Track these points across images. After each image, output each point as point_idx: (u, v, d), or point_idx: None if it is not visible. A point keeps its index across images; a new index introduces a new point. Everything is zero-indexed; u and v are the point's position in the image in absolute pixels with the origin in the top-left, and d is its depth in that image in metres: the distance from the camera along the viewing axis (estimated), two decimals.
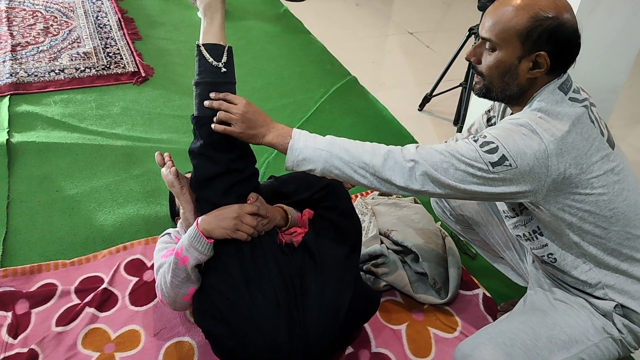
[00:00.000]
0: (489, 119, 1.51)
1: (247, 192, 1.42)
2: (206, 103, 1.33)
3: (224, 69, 1.37)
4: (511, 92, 1.22)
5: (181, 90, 2.85)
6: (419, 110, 2.87)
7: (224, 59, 1.37)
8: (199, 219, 1.34)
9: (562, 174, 1.13)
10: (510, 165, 1.11)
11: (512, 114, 1.31)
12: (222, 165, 1.37)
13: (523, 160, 1.11)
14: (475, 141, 1.16)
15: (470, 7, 3.05)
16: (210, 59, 1.35)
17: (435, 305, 1.70)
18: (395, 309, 1.69)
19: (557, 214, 1.19)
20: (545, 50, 1.15)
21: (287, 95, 2.90)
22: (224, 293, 1.32)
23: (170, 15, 3.72)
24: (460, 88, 2.64)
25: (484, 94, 1.26)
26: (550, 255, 1.28)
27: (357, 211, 1.93)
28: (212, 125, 1.30)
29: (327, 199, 1.51)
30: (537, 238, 1.28)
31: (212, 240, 1.32)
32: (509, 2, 1.17)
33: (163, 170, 1.50)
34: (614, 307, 1.24)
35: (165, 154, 1.51)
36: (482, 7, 2.37)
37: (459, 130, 2.53)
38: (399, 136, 2.62)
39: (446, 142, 1.58)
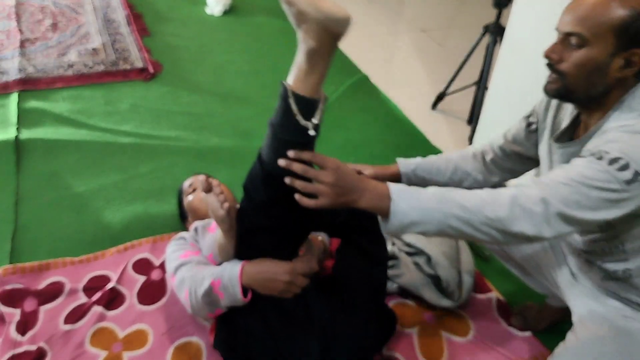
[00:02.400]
0: (528, 124, 1.41)
1: (302, 242, 1.31)
2: (282, 163, 1.07)
3: (312, 132, 1.07)
4: (596, 92, 1.12)
5: (190, 87, 2.83)
6: (432, 109, 2.84)
7: (316, 119, 1.08)
8: (244, 268, 1.23)
9: None
10: None
11: (576, 118, 1.23)
12: (282, 222, 1.20)
13: None
14: (600, 159, 1.03)
15: (485, 4, 3.00)
16: (299, 117, 1.06)
17: (448, 308, 1.67)
18: (406, 312, 1.66)
19: None
20: None
21: None
22: (258, 337, 1.26)
23: (179, 11, 3.70)
24: (474, 87, 2.60)
25: (562, 95, 1.16)
26: (626, 271, 1.20)
27: None
28: (297, 198, 1.06)
29: (357, 220, 1.40)
30: (617, 253, 1.20)
31: (249, 299, 1.24)
32: None
33: (210, 199, 1.25)
34: None
35: (214, 181, 1.26)
36: (497, 5, 2.33)
37: (473, 130, 2.49)
38: (411, 135, 2.59)
39: (485, 154, 1.51)
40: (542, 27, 1.85)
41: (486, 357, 1.55)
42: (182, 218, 1.84)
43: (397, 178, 1.50)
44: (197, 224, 1.59)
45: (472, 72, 2.66)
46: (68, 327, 1.53)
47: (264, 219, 1.18)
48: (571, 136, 1.26)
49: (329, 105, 2.72)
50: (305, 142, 1.08)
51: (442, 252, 1.70)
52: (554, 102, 1.33)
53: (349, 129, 2.59)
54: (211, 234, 1.53)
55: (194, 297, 1.31)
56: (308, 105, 1.06)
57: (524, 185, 1.05)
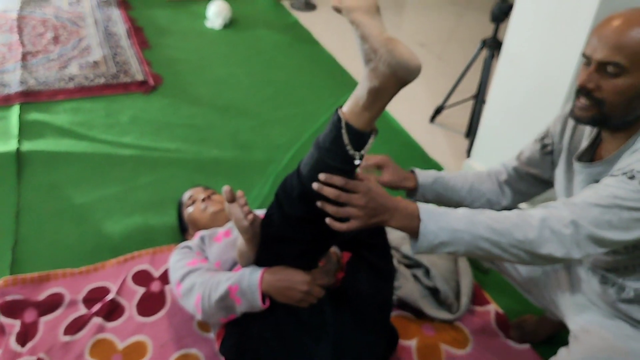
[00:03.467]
0: (544, 146, 1.40)
1: (323, 255, 1.32)
2: (315, 187, 1.06)
3: (358, 161, 1.07)
4: (633, 117, 1.11)
5: (190, 99, 2.85)
6: (430, 122, 2.86)
7: (364, 150, 1.07)
8: (264, 275, 1.25)
9: None
10: None
11: (595, 138, 1.23)
12: (309, 236, 1.20)
13: None
14: (632, 178, 1.03)
15: (482, 18, 3.04)
16: (349, 147, 1.04)
17: (447, 320, 1.67)
18: (405, 324, 1.66)
19: None
20: None
21: (297, 105, 2.89)
22: (270, 344, 1.27)
23: (180, 24, 3.73)
24: (472, 100, 2.62)
25: (598, 121, 1.14)
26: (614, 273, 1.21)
27: None
28: (328, 222, 1.07)
29: (367, 236, 1.40)
30: (639, 272, 1.19)
31: (268, 305, 1.25)
32: (633, 22, 1.05)
33: (234, 209, 1.24)
34: None
35: (238, 192, 1.26)
36: (495, 19, 2.36)
37: (471, 143, 2.50)
38: (410, 147, 2.61)
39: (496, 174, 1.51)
40: (538, 41, 1.88)
41: None
42: (182, 230, 1.85)
43: (413, 189, 1.50)
44: (203, 233, 1.60)
45: (470, 86, 2.69)
46: (68, 338, 1.53)
47: (292, 231, 1.18)
48: (591, 156, 1.26)
49: (329, 118, 2.76)
50: (349, 170, 1.08)
51: (441, 265, 1.71)
52: (571, 123, 1.32)
53: None
54: (218, 243, 1.54)
55: (207, 302, 1.31)
56: (360, 138, 1.05)
57: (554, 207, 1.05)
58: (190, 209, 1.78)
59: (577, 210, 1.02)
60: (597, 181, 1.17)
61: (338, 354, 1.30)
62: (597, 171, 1.19)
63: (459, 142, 2.71)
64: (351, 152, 1.05)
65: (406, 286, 1.69)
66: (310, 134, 2.63)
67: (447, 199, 1.48)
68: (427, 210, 1.06)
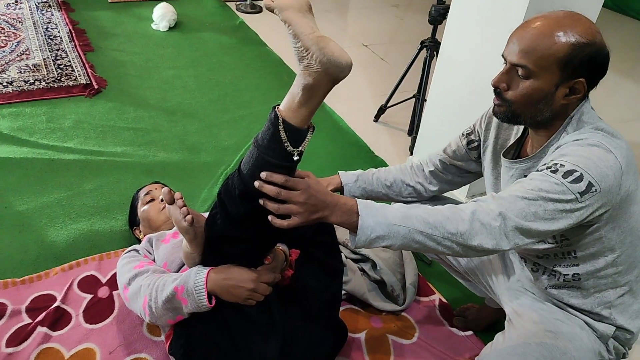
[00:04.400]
0: (469, 142, 1.47)
1: (268, 252, 1.33)
2: (256, 185, 1.08)
3: (296, 157, 1.09)
4: (542, 118, 1.17)
5: (135, 102, 2.81)
6: (374, 121, 2.92)
7: (302, 147, 1.09)
8: (209, 274, 1.25)
9: (627, 190, 1.11)
10: (596, 190, 1.06)
11: (521, 138, 1.30)
12: (253, 234, 1.21)
13: (606, 182, 1.06)
14: (555, 172, 1.07)
15: (422, 20, 3.13)
16: (287, 143, 1.07)
17: (393, 312, 1.73)
18: (354, 317, 1.71)
19: (605, 234, 1.16)
20: (584, 77, 1.11)
21: (244, 107, 2.90)
22: (218, 343, 1.28)
23: (123, 26, 3.67)
24: (414, 99, 2.70)
25: (510, 119, 1.20)
26: (575, 275, 1.24)
27: None
28: (270, 219, 1.08)
29: (316, 233, 1.42)
30: (569, 259, 1.24)
31: (213, 305, 1.26)
32: (545, 27, 1.10)
33: (173, 211, 1.26)
34: (614, 331, 1.25)
35: (176, 194, 1.27)
36: (432, 21, 2.45)
37: (413, 140, 2.58)
38: (356, 146, 2.66)
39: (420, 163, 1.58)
40: (472, 42, 1.96)
41: (431, 357, 1.62)
42: (131, 224, 1.83)
43: (339, 190, 1.55)
44: (151, 236, 1.60)
45: (412, 86, 2.77)
46: (10, 349, 1.49)
47: (235, 229, 1.19)
48: (517, 152, 1.33)
49: None
50: (289, 167, 1.10)
51: (387, 258, 1.77)
52: (496, 120, 1.39)
53: None
54: (165, 244, 1.54)
55: (153, 304, 1.31)
56: (297, 135, 1.07)
57: (483, 201, 1.09)
58: (146, 207, 1.75)
59: (504, 203, 1.06)
60: (525, 176, 1.24)
61: (287, 350, 1.32)
62: (525, 166, 1.26)
63: (402, 139, 2.78)
64: (289, 148, 1.07)
65: (354, 280, 1.73)
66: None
67: (374, 193, 1.55)
68: (365, 206, 1.08)
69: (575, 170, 1.06)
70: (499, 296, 1.46)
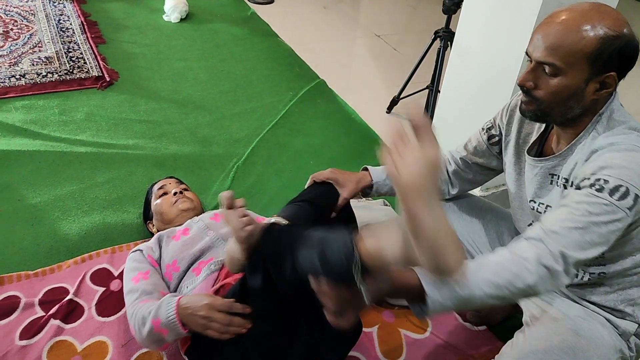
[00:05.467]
0: (490, 137, 1.43)
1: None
2: (314, 287, 0.99)
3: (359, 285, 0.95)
4: (573, 114, 1.13)
5: (147, 94, 2.81)
6: (387, 112, 2.89)
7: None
8: (179, 303, 1.25)
9: None
10: None
11: (544, 133, 1.26)
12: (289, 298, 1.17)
13: None
14: (600, 191, 1.03)
15: (436, 10, 3.09)
16: (357, 278, 0.93)
17: (406, 306, 1.71)
18: (366, 312, 1.70)
19: (636, 235, 1.15)
20: (614, 70, 1.07)
21: (255, 99, 2.89)
22: (246, 351, 1.24)
23: (135, 18, 3.66)
24: (427, 90, 2.67)
25: (538, 117, 1.17)
26: (601, 274, 1.23)
27: None
28: (330, 320, 1.03)
29: None
30: (596, 260, 1.19)
31: (188, 330, 1.26)
32: (571, 21, 1.05)
33: (232, 217, 1.16)
34: (636, 328, 1.23)
35: (238, 200, 1.17)
36: (447, 11, 2.41)
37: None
38: (368, 138, 2.64)
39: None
40: (487, 32, 1.93)
41: (444, 352, 1.60)
42: (145, 218, 1.83)
43: (369, 187, 1.54)
44: (161, 234, 1.60)
45: (425, 76, 2.73)
46: (24, 342, 1.50)
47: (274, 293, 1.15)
48: (540, 148, 1.29)
49: (288, 111, 2.77)
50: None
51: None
52: (518, 114, 1.33)
53: (309, 133, 2.62)
54: (175, 241, 1.54)
55: (139, 336, 1.33)
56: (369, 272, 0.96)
57: (540, 241, 1.04)
58: (159, 201, 1.76)
59: (560, 239, 1.03)
60: (552, 175, 1.21)
61: (310, 353, 1.29)
62: (551, 165, 1.22)
63: None
64: (359, 284, 0.95)
65: None
66: (270, 128, 2.63)
67: None
68: (428, 282, 1.02)
69: (621, 186, 1.03)
70: None
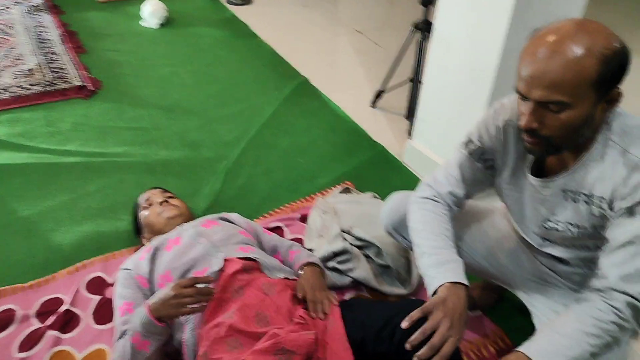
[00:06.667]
0: (484, 161, 1.31)
1: None
2: (404, 325, 1.15)
3: None
4: (584, 138, 1.08)
5: (133, 101, 2.81)
6: (371, 107, 2.92)
7: None
8: (149, 304, 1.33)
9: None
10: None
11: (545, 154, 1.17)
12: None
13: None
14: (633, 215, 1.03)
15: (412, 3, 3.12)
16: None
17: (401, 295, 1.74)
18: None
19: None
20: (618, 84, 1.01)
21: (242, 100, 2.90)
22: None
23: (115, 26, 3.66)
24: (410, 83, 2.69)
25: (550, 152, 1.11)
26: (590, 263, 1.24)
27: (319, 210, 1.98)
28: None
29: None
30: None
31: (165, 324, 1.32)
32: (564, 51, 0.97)
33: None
34: None
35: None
36: (424, 2, 2.44)
37: (412, 124, 2.56)
38: (355, 134, 2.66)
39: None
40: (464, 22, 1.96)
41: None
42: (137, 232, 1.84)
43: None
44: (154, 243, 1.59)
45: (407, 69, 2.76)
46: (23, 355, 1.50)
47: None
48: (541, 165, 1.23)
49: (275, 111, 2.79)
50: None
51: (391, 243, 1.77)
52: (511, 134, 1.24)
53: (294, 132, 2.64)
54: (168, 252, 1.53)
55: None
56: None
57: (614, 290, 1.05)
58: (146, 212, 1.76)
59: (630, 281, 1.04)
60: (564, 191, 1.16)
61: None
62: (563, 182, 1.17)
63: (401, 124, 2.78)
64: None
65: (360, 267, 1.74)
66: (258, 129, 2.64)
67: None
68: (536, 353, 1.05)
69: None
70: (516, 288, 1.46)
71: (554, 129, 1.03)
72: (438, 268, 1.21)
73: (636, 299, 1.04)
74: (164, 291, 1.33)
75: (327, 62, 3.49)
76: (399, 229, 1.53)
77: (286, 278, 1.50)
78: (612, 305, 1.05)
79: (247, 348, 1.27)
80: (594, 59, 0.96)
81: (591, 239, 1.17)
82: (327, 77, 3.24)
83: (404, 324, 1.14)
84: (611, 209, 1.08)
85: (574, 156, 1.13)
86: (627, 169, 1.05)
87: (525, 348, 1.07)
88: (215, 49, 3.47)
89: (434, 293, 1.18)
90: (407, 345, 1.11)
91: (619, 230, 1.06)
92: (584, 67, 0.96)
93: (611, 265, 1.07)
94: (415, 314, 1.14)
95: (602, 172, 1.08)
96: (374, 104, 2.91)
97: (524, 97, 1.04)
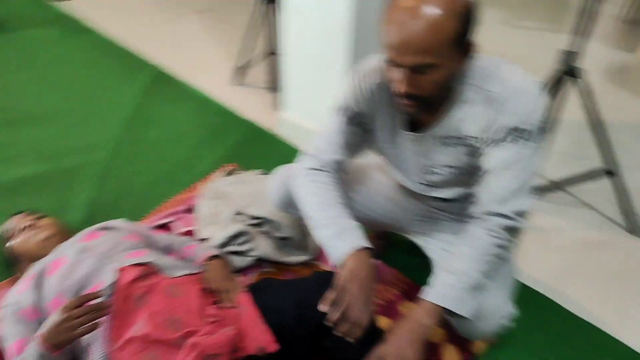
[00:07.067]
0: (360, 124, 1.36)
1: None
2: (322, 308, 1.19)
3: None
4: (450, 88, 1.18)
5: None
6: (233, 85, 2.91)
7: None
8: (41, 335, 1.22)
9: None
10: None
11: None
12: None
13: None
14: (522, 140, 1.15)
15: None
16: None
17: (305, 262, 1.80)
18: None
19: None
20: (471, 35, 1.09)
21: (96, 100, 2.73)
22: None
23: None
24: (270, 55, 2.71)
25: (423, 109, 1.17)
26: (471, 196, 1.35)
27: (206, 198, 1.96)
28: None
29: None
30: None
31: (61, 351, 1.23)
32: (424, 14, 1.02)
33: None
34: None
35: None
36: None
37: (278, 96, 2.59)
38: (223, 115, 2.64)
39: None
40: None
41: None
42: (12, 266, 1.67)
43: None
44: (34, 270, 1.45)
45: (263, 42, 2.78)
46: None
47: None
48: (413, 120, 1.29)
49: (137, 105, 2.65)
50: None
51: (285, 215, 1.82)
52: (378, 94, 1.30)
53: (162, 123, 2.55)
54: (53, 276, 1.41)
55: None
56: None
57: (491, 213, 1.19)
58: (15, 241, 1.61)
59: (512, 203, 1.18)
60: (438, 139, 1.25)
61: None
62: (436, 131, 1.25)
63: (266, 97, 2.80)
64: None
65: (261, 244, 1.77)
66: (122, 127, 2.51)
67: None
68: (439, 297, 1.18)
69: (524, 130, 1.14)
70: (407, 231, 1.58)
71: (427, 89, 1.10)
72: (339, 238, 1.25)
73: (509, 217, 1.19)
74: (53, 317, 1.23)
75: (176, 46, 3.37)
76: (289, 203, 1.55)
77: (189, 274, 1.49)
78: (490, 229, 1.20)
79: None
80: (452, 18, 1.03)
81: (469, 176, 1.31)
82: (181, 61, 3.15)
83: (322, 307, 1.18)
84: (481, 144, 1.21)
85: (441, 106, 1.23)
86: (486, 105, 1.17)
87: (425, 295, 1.20)
88: (52, 50, 3.19)
89: (340, 263, 1.23)
90: (329, 323, 1.16)
91: (488, 159, 1.20)
92: (445, 28, 1.03)
93: (484, 192, 1.21)
94: (330, 294, 1.18)
95: (467, 114, 1.20)
96: (235, 81, 2.90)
97: (395, 64, 1.09)
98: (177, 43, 3.41)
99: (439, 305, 1.17)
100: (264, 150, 2.41)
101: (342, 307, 1.17)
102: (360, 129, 1.37)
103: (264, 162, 2.25)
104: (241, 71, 2.87)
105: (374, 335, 1.23)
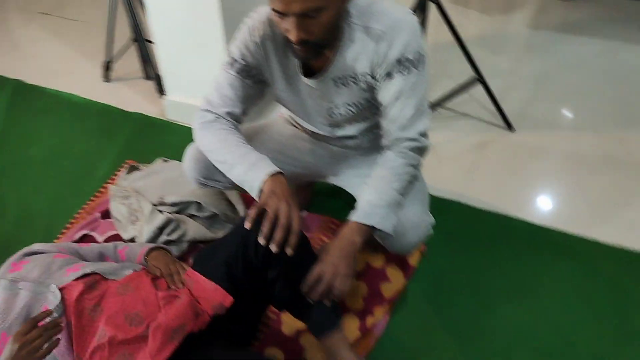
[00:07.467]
0: (252, 76, 1.40)
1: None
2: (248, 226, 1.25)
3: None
4: (339, 28, 1.24)
5: None
6: (106, 81, 2.79)
7: None
8: None
9: None
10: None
11: None
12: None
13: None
14: (409, 69, 1.26)
15: None
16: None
17: None
18: None
19: None
20: None
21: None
22: None
23: None
24: (136, 43, 2.62)
25: (316, 53, 1.23)
26: (374, 129, 1.48)
27: (118, 199, 1.92)
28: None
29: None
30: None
31: None
32: None
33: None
34: None
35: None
36: None
37: (158, 82, 2.50)
38: (106, 114, 2.55)
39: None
40: None
41: None
42: None
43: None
44: None
45: (123, 31, 2.68)
46: None
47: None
48: (306, 65, 1.34)
49: (3, 124, 2.46)
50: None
51: (206, 193, 1.85)
52: (269, 46, 1.34)
53: (41, 138, 2.41)
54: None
55: None
56: None
57: (399, 139, 1.34)
58: None
59: (414, 127, 1.32)
60: (334, 80, 1.33)
61: None
62: (330, 73, 1.32)
63: (144, 86, 2.73)
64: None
65: (190, 228, 1.79)
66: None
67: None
68: (365, 216, 1.33)
69: (418, 56, 1.26)
70: (324, 176, 1.68)
71: (319, 32, 1.15)
72: (252, 170, 1.32)
73: (414, 140, 1.33)
74: (6, 350, 1.16)
75: (30, 54, 3.12)
76: (209, 175, 1.57)
77: (135, 270, 1.49)
78: (400, 152, 1.35)
79: (140, 355, 1.25)
80: None
81: (369, 110, 1.42)
82: (41, 69, 2.93)
83: (247, 225, 1.23)
84: (374, 79, 1.32)
85: (332, 49, 1.31)
86: (374, 42, 1.26)
87: (351, 216, 1.34)
88: None
89: (260, 193, 1.29)
90: (273, 247, 1.20)
91: (385, 93, 1.31)
92: None
93: (389, 122, 1.34)
94: (252, 211, 1.23)
95: (357, 52, 1.29)
96: (107, 77, 2.78)
97: (283, 14, 1.12)
98: (30, 52, 3.15)
99: (364, 224, 1.32)
100: (158, 138, 2.37)
101: (270, 217, 1.21)
102: (251, 81, 1.41)
103: (162, 149, 2.23)
104: (110, 65, 2.75)
105: (310, 258, 1.33)
